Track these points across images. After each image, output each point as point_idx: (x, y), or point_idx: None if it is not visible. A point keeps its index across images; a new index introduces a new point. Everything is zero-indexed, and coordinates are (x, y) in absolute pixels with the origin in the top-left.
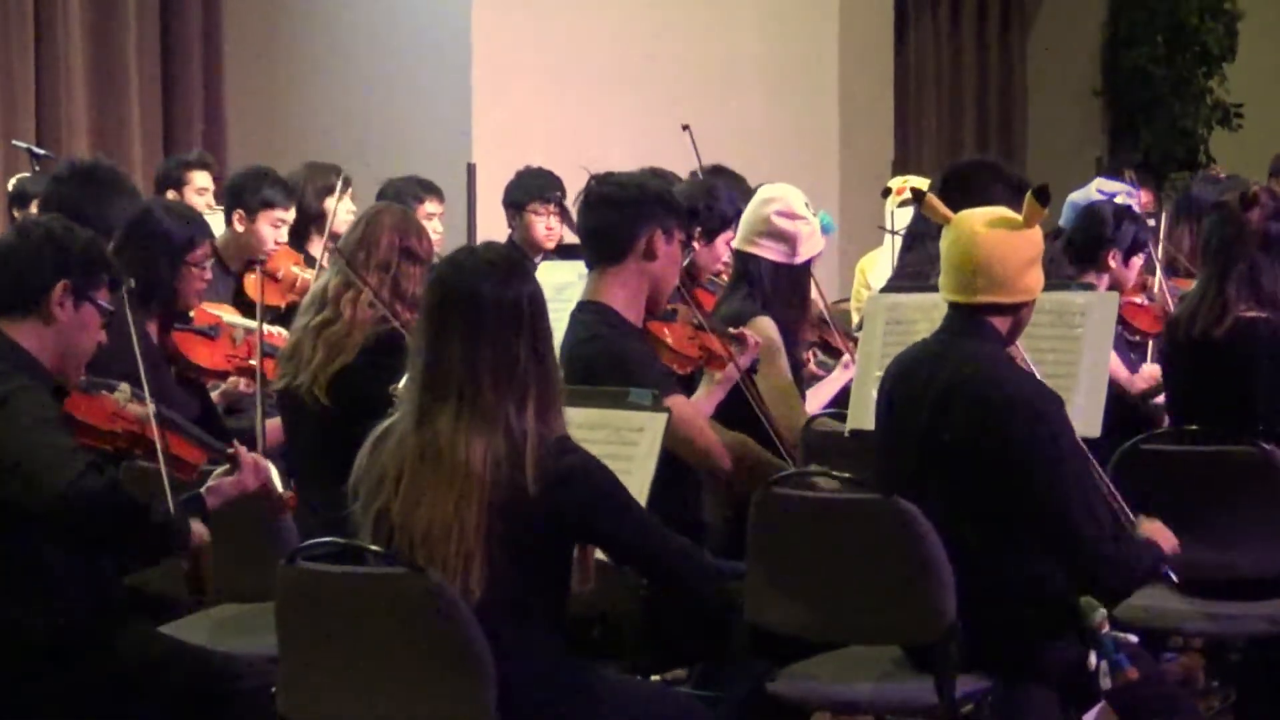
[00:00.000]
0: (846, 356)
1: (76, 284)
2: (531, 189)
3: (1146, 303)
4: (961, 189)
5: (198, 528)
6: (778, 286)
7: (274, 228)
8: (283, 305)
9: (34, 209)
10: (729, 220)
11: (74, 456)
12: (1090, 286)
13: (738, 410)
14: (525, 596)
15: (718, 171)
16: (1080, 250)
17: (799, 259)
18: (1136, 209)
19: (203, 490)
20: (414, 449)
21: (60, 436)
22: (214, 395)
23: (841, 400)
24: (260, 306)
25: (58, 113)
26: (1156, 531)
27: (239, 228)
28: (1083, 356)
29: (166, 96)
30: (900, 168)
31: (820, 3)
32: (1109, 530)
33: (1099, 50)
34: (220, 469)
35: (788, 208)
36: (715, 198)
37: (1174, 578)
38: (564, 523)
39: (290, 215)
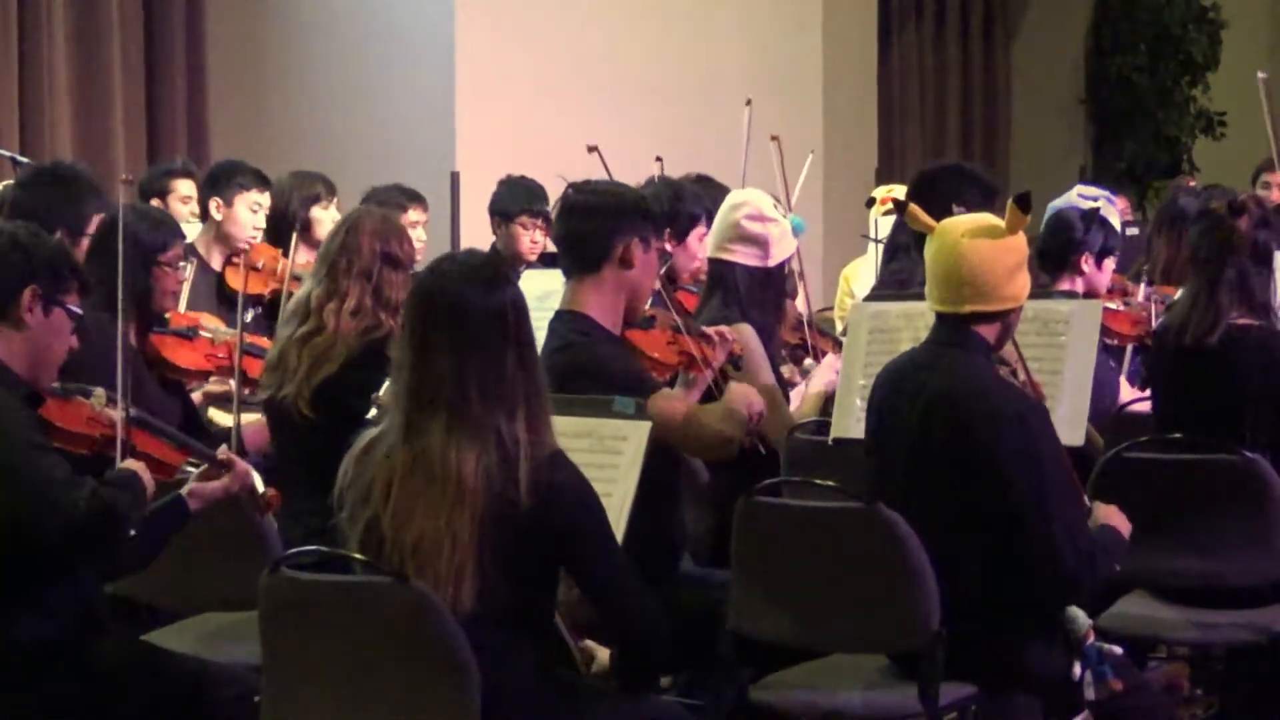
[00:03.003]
0: (830, 357)
1: (45, 288)
2: (521, 200)
3: (1123, 308)
4: (931, 193)
5: (144, 474)
6: (752, 291)
7: (252, 211)
8: (266, 293)
9: None
10: (697, 218)
11: (73, 489)
12: (1073, 294)
13: None
14: (514, 607)
15: (702, 181)
16: (1052, 257)
17: (772, 261)
18: (1116, 217)
19: (183, 492)
20: (404, 461)
21: (55, 465)
22: (196, 395)
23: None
24: (241, 299)
25: (41, 121)
26: (1113, 516)
27: (218, 216)
28: (1066, 364)
29: (150, 105)
30: (884, 176)
31: (803, 12)
32: (1086, 551)
33: (1083, 59)
34: (198, 470)
35: (757, 211)
36: (680, 198)
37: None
38: (551, 537)
39: (265, 199)
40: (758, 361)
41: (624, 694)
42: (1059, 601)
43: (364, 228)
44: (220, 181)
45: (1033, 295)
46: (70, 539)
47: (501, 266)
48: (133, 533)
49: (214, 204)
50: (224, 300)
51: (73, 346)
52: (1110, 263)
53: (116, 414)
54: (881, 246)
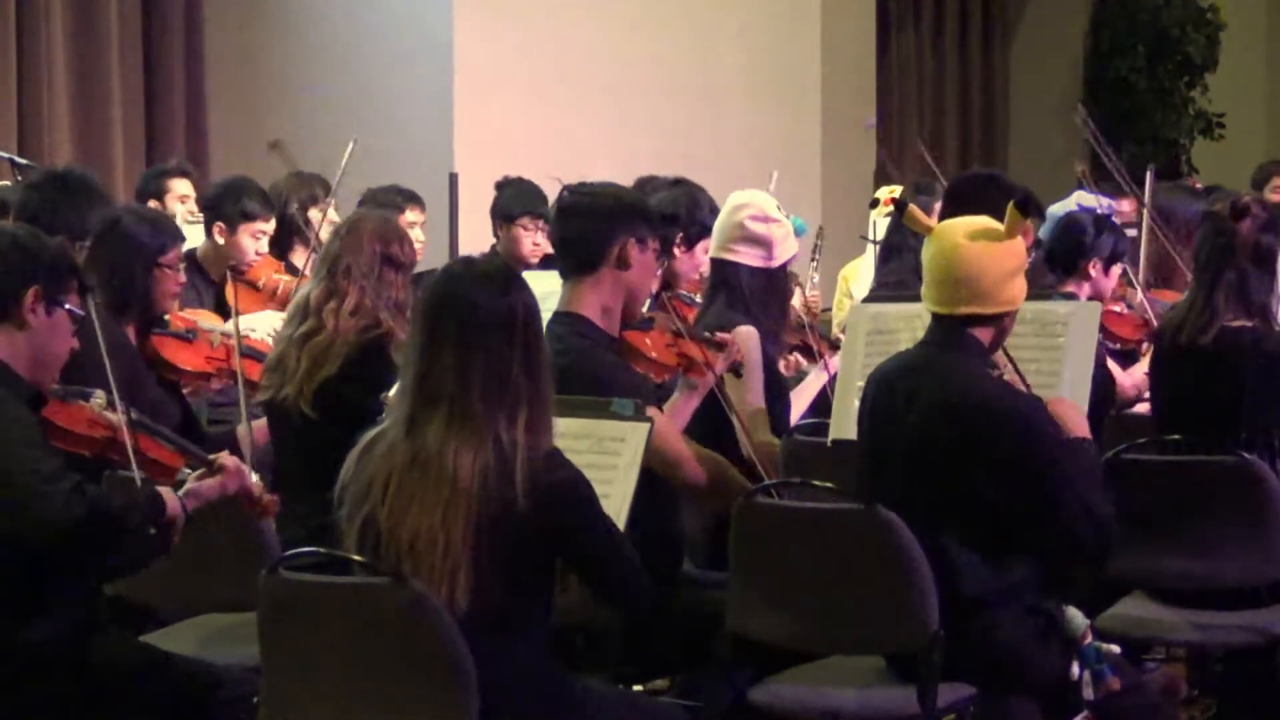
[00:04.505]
0: (825, 359)
1: (47, 289)
2: (523, 202)
3: (1127, 311)
4: (964, 202)
5: (170, 500)
6: (756, 291)
7: (254, 239)
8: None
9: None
10: (709, 227)
11: (57, 482)
12: (1072, 296)
13: (711, 416)
14: (510, 607)
15: (680, 184)
16: (1060, 260)
17: (775, 262)
18: (1115, 220)
19: (180, 494)
20: (403, 457)
21: (43, 459)
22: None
23: (822, 408)
24: (235, 312)
25: (40, 122)
26: (1068, 413)
27: (219, 240)
28: (1065, 366)
29: (148, 106)
30: (882, 178)
31: (802, 13)
32: (1103, 521)
33: (1081, 60)
34: (196, 471)
35: (760, 212)
36: (696, 204)
37: None
38: (550, 537)
39: (270, 226)
40: (751, 371)
41: (617, 688)
42: (1087, 571)
43: (364, 229)
44: (225, 205)
45: (1031, 296)
46: (52, 531)
47: (514, 272)
48: (140, 530)
49: (216, 228)
50: (221, 314)
51: (74, 347)
52: (1118, 269)
53: (116, 417)
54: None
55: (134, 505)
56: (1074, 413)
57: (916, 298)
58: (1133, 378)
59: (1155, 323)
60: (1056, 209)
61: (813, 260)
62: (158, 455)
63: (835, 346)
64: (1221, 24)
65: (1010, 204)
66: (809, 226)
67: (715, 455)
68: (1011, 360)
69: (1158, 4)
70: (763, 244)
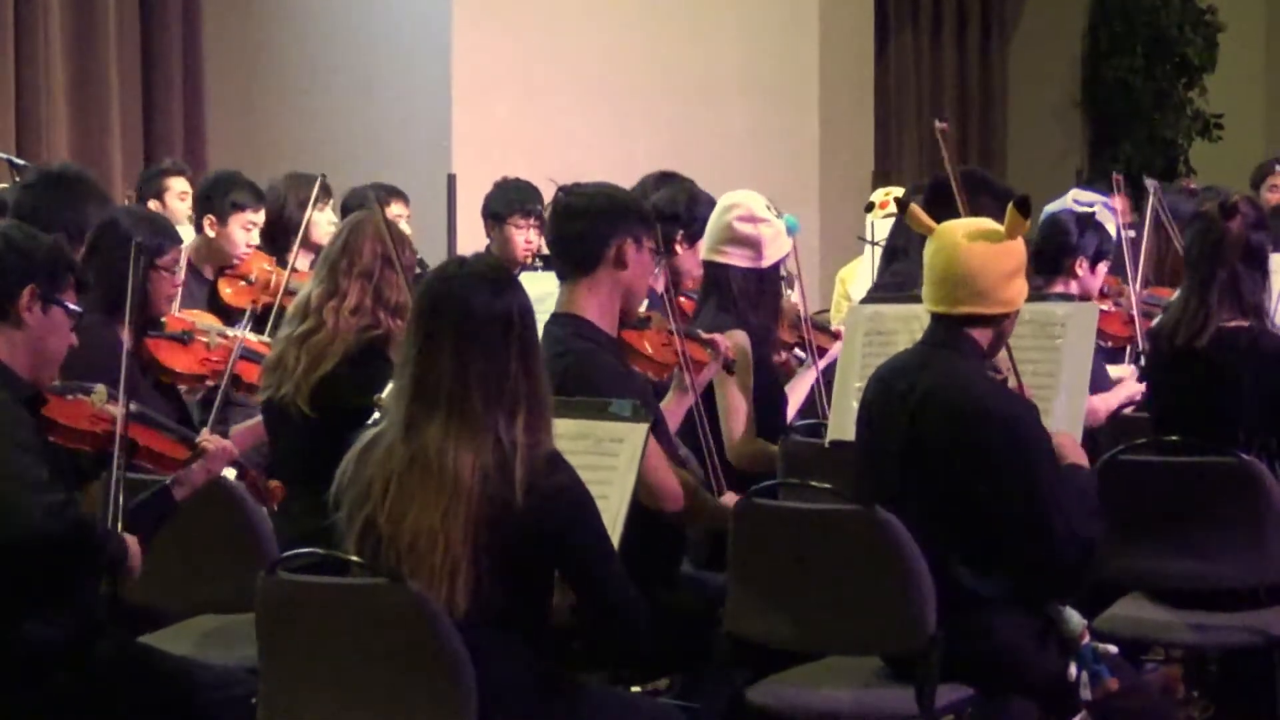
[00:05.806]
0: (835, 346)
1: (43, 288)
2: (513, 201)
3: (1115, 308)
4: (947, 201)
5: (134, 548)
6: (747, 292)
7: (245, 230)
8: (258, 306)
9: None
10: None
11: (41, 493)
12: (1069, 297)
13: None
14: (509, 608)
15: (666, 177)
16: (1046, 260)
17: (765, 262)
18: (1112, 223)
19: (168, 481)
20: (402, 459)
21: (31, 466)
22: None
23: (810, 411)
24: (248, 316)
25: (38, 123)
26: (1068, 447)
27: (210, 232)
28: (1063, 367)
29: (146, 107)
30: (881, 179)
31: (800, 15)
32: (1085, 540)
33: (1079, 61)
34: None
35: (748, 212)
36: (696, 201)
37: None
38: (546, 539)
39: (260, 217)
40: (743, 371)
41: (616, 689)
42: (1062, 593)
43: (366, 230)
44: (215, 198)
45: (1029, 298)
46: (24, 540)
47: (509, 271)
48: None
49: (207, 221)
50: (215, 311)
51: (72, 344)
52: (1104, 267)
53: (118, 410)
54: (877, 249)
55: (111, 539)
56: (1071, 444)
57: (914, 299)
58: (1106, 402)
59: (1140, 319)
60: (1053, 208)
61: (791, 289)
62: (161, 448)
63: (835, 336)
64: (1220, 25)
65: (1010, 205)
66: (801, 225)
67: (692, 482)
68: (1014, 364)
69: (1156, 5)
70: (751, 244)
